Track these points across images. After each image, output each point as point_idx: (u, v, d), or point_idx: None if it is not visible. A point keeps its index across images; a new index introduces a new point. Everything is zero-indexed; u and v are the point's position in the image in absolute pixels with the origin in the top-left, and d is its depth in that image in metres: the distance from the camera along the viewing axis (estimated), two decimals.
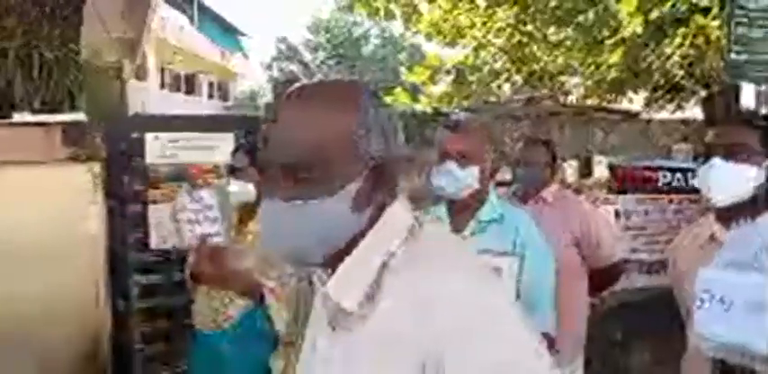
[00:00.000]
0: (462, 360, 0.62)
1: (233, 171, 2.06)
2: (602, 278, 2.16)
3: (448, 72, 5.47)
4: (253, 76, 26.60)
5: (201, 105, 20.41)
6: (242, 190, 2.01)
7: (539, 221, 1.64)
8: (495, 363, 0.62)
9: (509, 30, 5.24)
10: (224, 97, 24.22)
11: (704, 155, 1.46)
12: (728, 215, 1.43)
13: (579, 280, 2.08)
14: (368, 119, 0.69)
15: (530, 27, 5.20)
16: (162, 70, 18.51)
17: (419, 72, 5.57)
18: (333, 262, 0.71)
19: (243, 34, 25.59)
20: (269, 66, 26.30)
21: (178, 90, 20.19)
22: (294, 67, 26.17)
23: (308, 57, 25.70)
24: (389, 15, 5.08)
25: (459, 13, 5.21)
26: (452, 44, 5.65)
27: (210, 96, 23.52)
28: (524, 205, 1.99)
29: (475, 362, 0.62)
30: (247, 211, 2.05)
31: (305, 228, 0.69)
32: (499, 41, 5.35)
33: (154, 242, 2.61)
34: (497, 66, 5.49)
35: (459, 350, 0.63)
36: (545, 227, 1.63)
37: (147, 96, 11.17)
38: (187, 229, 2.00)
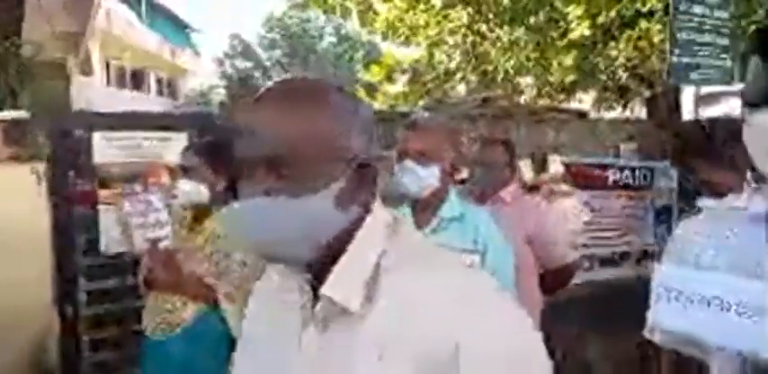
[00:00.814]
0: (474, 351, 0.63)
1: (185, 170, 2.00)
2: (554, 278, 2.17)
3: (404, 71, 5.51)
4: (203, 73, 26.00)
5: (149, 102, 19.80)
6: (194, 190, 1.96)
7: (497, 220, 1.67)
8: (506, 349, 0.64)
9: (463, 30, 5.31)
10: (173, 94, 23.59)
11: (694, 192, 1.45)
12: None
13: (534, 277, 2.12)
14: (346, 117, 0.69)
15: (483, 27, 5.29)
16: (108, 66, 17.87)
17: (375, 71, 5.58)
18: (315, 260, 0.71)
19: (193, 30, 24.96)
20: (221, 63, 25.75)
21: (125, 86, 19.54)
22: (247, 64, 25.74)
23: (261, 54, 25.31)
24: (345, 13, 5.06)
25: (415, 13, 5.25)
26: (407, 43, 5.69)
27: (159, 93, 22.86)
28: (482, 204, 2.01)
29: (487, 352, 0.64)
30: (201, 211, 2.00)
31: (288, 223, 0.68)
32: (453, 41, 5.42)
33: (104, 245, 2.52)
34: (452, 65, 5.56)
35: (469, 342, 0.63)
36: (503, 226, 1.66)
37: (91, 93, 10.76)
38: (137, 234, 1.95)
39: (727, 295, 0.56)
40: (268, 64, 24.40)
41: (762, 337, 0.54)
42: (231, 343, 1.90)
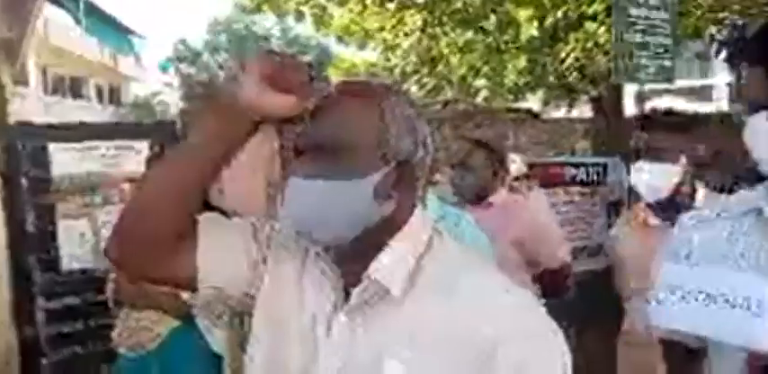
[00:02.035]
0: (512, 354, 0.68)
1: None
2: (552, 279, 2.12)
3: (361, 75, 5.52)
4: (147, 80, 25.27)
5: (92, 111, 19.08)
6: None
7: (480, 222, 1.68)
8: (539, 354, 0.70)
9: (417, 33, 5.38)
10: (116, 102, 22.81)
11: (635, 156, 1.62)
12: (657, 204, 1.62)
13: (520, 275, 2.08)
14: (395, 116, 0.76)
15: (437, 30, 5.37)
16: (45, 73, 17.11)
17: (332, 73, 5.57)
18: (350, 245, 0.75)
19: (135, 34, 24.19)
20: (165, 69, 25.09)
21: (64, 95, 18.76)
22: (193, 70, 25.17)
23: (208, 58, 24.80)
24: (299, 17, 5.04)
25: (370, 16, 5.29)
26: (362, 46, 5.71)
27: (100, 101, 22.06)
28: (469, 206, 1.99)
29: (523, 357, 0.68)
30: None
31: (325, 207, 0.73)
32: (408, 44, 5.48)
33: (65, 261, 2.41)
34: (408, 68, 5.62)
35: (508, 345, 0.68)
36: (488, 228, 1.68)
37: (28, 102, 10.28)
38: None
39: (732, 291, 0.59)
40: (215, 68, 23.93)
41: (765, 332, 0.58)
42: (210, 358, 1.89)
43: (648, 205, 1.70)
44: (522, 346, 0.68)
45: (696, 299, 0.62)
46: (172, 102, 23.04)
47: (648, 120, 1.66)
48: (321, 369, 0.74)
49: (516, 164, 3.05)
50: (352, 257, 0.76)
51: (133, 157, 2.53)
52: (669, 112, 1.69)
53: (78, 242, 2.34)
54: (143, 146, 2.59)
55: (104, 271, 2.00)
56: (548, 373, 0.69)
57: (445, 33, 5.33)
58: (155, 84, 25.17)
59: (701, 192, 1.64)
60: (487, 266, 0.80)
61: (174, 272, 0.80)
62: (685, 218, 0.89)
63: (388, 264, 0.74)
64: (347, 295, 0.75)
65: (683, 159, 1.58)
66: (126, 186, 2.46)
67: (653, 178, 1.58)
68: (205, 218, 0.81)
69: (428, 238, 0.77)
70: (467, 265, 0.77)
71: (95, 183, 2.47)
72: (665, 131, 1.58)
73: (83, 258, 2.18)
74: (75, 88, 19.72)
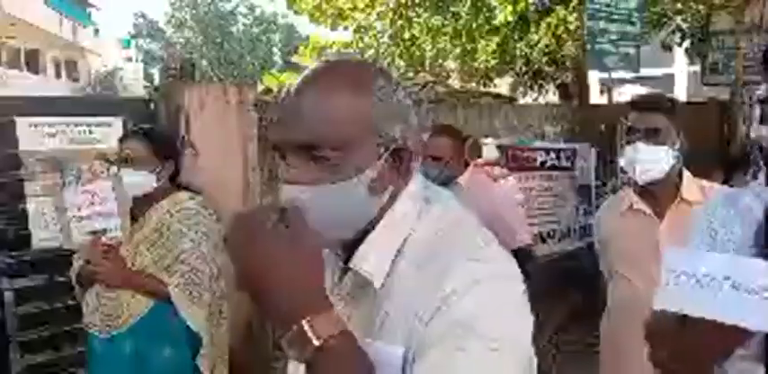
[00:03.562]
0: (485, 328, 0.64)
1: (126, 160, 1.89)
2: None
3: (338, 55, 5.46)
4: (106, 54, 24.35)
5: (48, 85, 18.31)
6: (142, 180, 1.87)
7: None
8: (511, 329, 0.66)
9: (390, 14, 5.34)
10: (73, 76, 21.94)
11: (627, 137, 1.65)
12: (645, 188, 1.66)
13: None
14: (386, 101, 0.69)
15: (410, 12, 5.35)
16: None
17: (305, 53, 5.50)
18: (350, 243, 0.73)
19: (94, 7, 23.21)
20: (126, 44, 24.24)
21: (19, 68, 17.94)
22: (155, 46, 24.38)
23: (171, 34, 24.04)
24: None
25: None
26: (334, 26, 5.65)
27: (58, 75, 21.18)
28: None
29: (497, 331, 0.64)
30: (146, 200, 1.92)
31: (325, 212, 0.68)
32: (381, 26, 5.45)
33: (35, 241, 2.34)
34: (381, 49, 5.59)
35: (481, 320, 0.64)
36: None
37: None
38: (75, 226, 1.83)
39: (737, 275, 0.61)
40: (178, 45, 23.22)
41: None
42: (184, 336, 1.88)
43: (635, 190, 1.73)
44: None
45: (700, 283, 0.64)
46: (134, 77, 22.31)
47: (646, 102, 1.67)
48: None
49: (488, 148, 3.10)
50: (353, 246, 0.73)
51: (111, 134, 2.44)
52: (660, 97, 1.72)
53: (47, 221, 2.27)
54: (114, 122, 2.52)
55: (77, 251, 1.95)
56: (501, 317, 0.65)
57: (418, 15, 5.31)
58: (114, 59, 24.29)
59: (686, 176, 1.68)
60: (466, 239, 0.72)
61: None
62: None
63: (370, 254, 0.71)
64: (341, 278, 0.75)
65: (678, 142, 1.61)
66: (97, 164, 2.39)
67: (647, 159, 1.60)
68: None
69: (415, 217, 0.72)
70: (447, 237, 0.71)
71: (68, 159, 2.39)
72: (660, 113, 1.61)
73: (54, 238, 2.12)
74: (31, 62, 18.87)
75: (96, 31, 23.70)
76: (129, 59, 24.68)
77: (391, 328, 0.68)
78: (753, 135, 4.09)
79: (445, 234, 0.71)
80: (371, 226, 0.72)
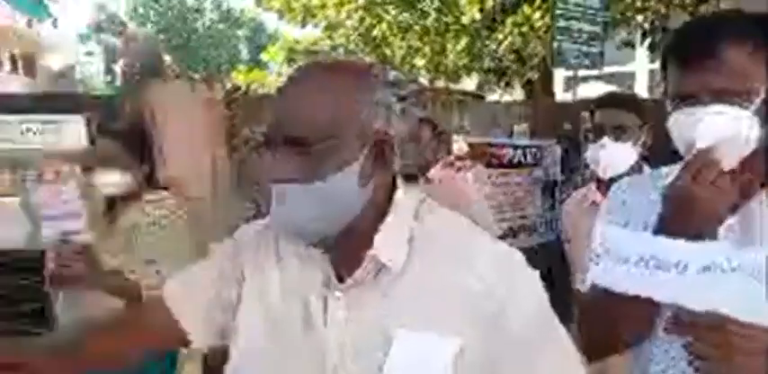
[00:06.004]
0: (518, 310, 0.72)
1: (100, 160, 1.85)
2: None
3: (304, 53, 5.44)
4: (64, 49, 23.59)
5: (2, 82, 17.66)
6: (117, 180, 1.84)
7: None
8: (539, 308, 0.75)
9: (360, 12, 5.35)
10: (30, 72, 21.22)
11: (594, 134, 1.70)
12: (607, 184, 1.71)
13: None
14: (373, 97, 0.72)
15: (379, 10, 5.36)
16: None
17: (273, 52, 5.45)
18: (340, 238, 0.74)
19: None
20: (85, 38, 23.53)
21: None
22: (116, 41, 23.72)
23: (134, 29, 23.43)
24: None
25: None
26: (303, 23, 5.62)
27: (14, 71, 20.46)
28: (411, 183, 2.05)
29: (527, 312, 0.73)
30: (119, 200, 1.89)
31: (314, 209, 0.71)
32: (351, 24, 5.44)
33: None
34: (351, 47, 5.59)
35: (513, 303, 0.72)
36: None
37: None
38: (44, 227, 1.79)
39: (661, 254, 0.68)
40: (142, 41, 22.64)
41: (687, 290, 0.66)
42: None
43: (598, 186, 1.78)
44: (526, 304, 0.73)
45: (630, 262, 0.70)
46: (93, 73, 21.71)
47: (613, 99, 1.72)
48: (330, 346, 0.74)
49: (458, 144, 3.15)
50: (342, 242, 0.74)
51: (71, 131, 2.38)
52: (626, 94, 1.77)
53: (8, 222, 2.21)
54: (76, 119, 2.46)
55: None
56: (535, 313, 0.74)
57: (387, 12, 5.33)
58: (73, 54, 23.57)
59: (646, 171, 1.75)
60: (471, 226, 0.79)
61: None
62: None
63: (388, 243, 0.73)
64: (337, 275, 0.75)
65: (643, 138, 1.67)
66: (65, 168, 2.33)
67: (614, 155, 1.65)
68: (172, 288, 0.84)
69: (415, 209, 0.77)
70: (453, 227, 0.77)
71: (27, 159, 2.32)
72: (626, 111, 1.66)
73: (16, 239, 2.06)
74: None
75: (55, 21, 22.97)
76: (90, 54, 23.98)
77: (431, 315, 0.71)
78: None
79: (448, 220, 0.78)
80: (360, 220, 0.74)
